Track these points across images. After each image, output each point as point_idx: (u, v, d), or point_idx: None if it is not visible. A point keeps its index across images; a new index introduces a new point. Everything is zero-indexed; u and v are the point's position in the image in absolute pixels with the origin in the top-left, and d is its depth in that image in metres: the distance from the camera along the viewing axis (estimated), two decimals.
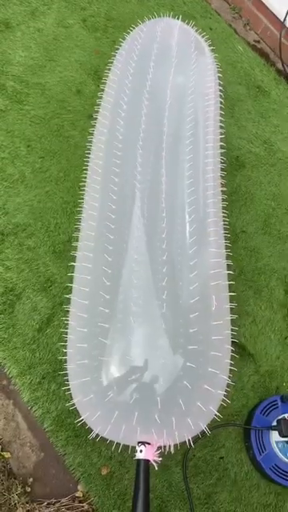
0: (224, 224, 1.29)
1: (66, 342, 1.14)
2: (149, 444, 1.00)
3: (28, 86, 1.81)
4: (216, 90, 1.48)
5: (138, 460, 0.99)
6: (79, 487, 1.28)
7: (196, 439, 1.13)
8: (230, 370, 1.10)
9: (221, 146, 1.42)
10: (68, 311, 1.16)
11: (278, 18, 2.06)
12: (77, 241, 1.26)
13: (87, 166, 1.37)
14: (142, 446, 1.00)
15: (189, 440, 1.03)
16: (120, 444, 1.09)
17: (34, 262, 1.52)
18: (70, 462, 1.30)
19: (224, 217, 1.31)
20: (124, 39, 1.59)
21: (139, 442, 1.00)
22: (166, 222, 1.16)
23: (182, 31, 1.56)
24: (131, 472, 1.30)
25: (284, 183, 1.88)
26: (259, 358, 1.54)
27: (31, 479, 1.27)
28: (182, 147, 1.28)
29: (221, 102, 1.50)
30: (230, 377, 1.09)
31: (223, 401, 1.07)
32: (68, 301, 1.17)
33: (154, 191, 1.20)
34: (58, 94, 1.83)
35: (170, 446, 1.05)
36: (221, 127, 1.44)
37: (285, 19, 2.02)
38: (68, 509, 1.23)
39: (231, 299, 1.19)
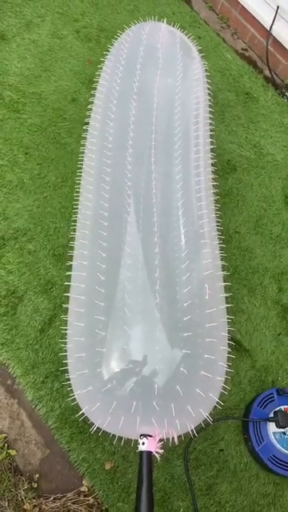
0: (217, 225, 1.34)
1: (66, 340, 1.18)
2: (151, 436, 1.03)
3: (25, 96, 1.87)
4: (204, 89, 1.53)
5: (141, 452, 1.01)
6: (84, 482, 1.32)
7: (198, 431, 1.17)
8: (227, 367, 1.13)
9: (212, 149, 1.48)
10: (67, 309, 1.20)
11: (264, 26, 2.14)
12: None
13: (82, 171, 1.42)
14: (144, 438, 1.02)
15: (192, 431, 1.05)
16: (122, 438, 1.13)
17: (34, 265, 1.56)
18: (74, 457, 1.34)
19: (217, 218, 1.36)
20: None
21: (141, 435, 1.03)
22: (158, 223, 1.20)
23: (167, 33, 1.62)
24: (134, 466, 1.34)
25: (274, 185, 1.94)
26: (255, 354, 1.59)
27: (37, 475, 1.31)
28: (171, 147, 1.33)
29: (210, 106, 1.56)
30: (228, 365, 1.12)
31: (221, 394, 1.10)
32: (68, 300, 1.21)
33: (145, 193, 1.24)
34: (54, 103, 1.88)
35: (173, 437, 1.07)
36: (211, 130, 1.50)
37: (271, 28, 2.10)
38: (74, 503, 1.27)
39: (226, 298, 1.24)
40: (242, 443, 1.44)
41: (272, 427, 1.39)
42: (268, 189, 1.93)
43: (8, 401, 1.38)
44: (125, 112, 1.37)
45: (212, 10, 2.35)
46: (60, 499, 1.27)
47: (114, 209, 1.23)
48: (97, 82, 1.57)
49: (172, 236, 1.20)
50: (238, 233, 1.80)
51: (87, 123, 1.51)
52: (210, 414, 1.07)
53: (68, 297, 1.21)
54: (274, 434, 1.39)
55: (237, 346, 1.57)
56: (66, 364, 1.15)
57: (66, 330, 1.18)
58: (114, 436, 1.11)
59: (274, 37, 2.13)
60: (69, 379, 1.12)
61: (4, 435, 1.33)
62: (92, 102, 1.54)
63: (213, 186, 1.42)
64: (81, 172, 1.43)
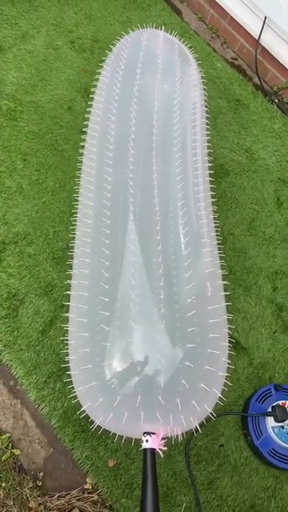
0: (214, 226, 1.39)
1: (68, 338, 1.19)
2: (154, 434, 1.04)
3: (22, 104, 1.91)
4: (201, 94, 1.58)
5: (145, 449, 1.03)
6: (88, 479, 1.34)
7: (199, 426, 1.19)
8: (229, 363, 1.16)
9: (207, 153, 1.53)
10: (69, 307, 1.22)
11: (252, 36, 2.21)
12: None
13: (81, 176, 1.45)
14: (148, 435, 1.03)
15: (196, 427, 1.06)
16: (123, 437, 1.14)
17: (34, 268, 1.59)
18: (77, 455, 1.36)
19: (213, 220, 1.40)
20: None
21: (145, 433, 1.04)
22: (160, 222, 1.24)
23: (166, 40, 1.68)
24: (137, 462, 1.36)
25: (266, 188, 2.00)
26: (252, 352, 1.63)
27: (41, 474, 1.32)
28: (171, 149, 1.37)
29: (205, 112, 1.61)
30: (229, 363, 1.16)
31: (222, 390, 1.12)
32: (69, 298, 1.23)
33: (146, 193, 1.28)
34: (51, 111, 1.93)
35: (177, 434, 1.08)
36: (206, 135, 1.55)
37: (259, 37, 2.17)
38: (78, 500, 1.28)
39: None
40: (242, 438, 1.47)
41: (270, 421, 1.42)
42: (260, 192, 1.99)
43: (11, 401, 1.40)
44: (125, 115, 1.41)
45: (202, 20, 2.42)
46: (64, 497, 1.29)
47: (116, 207, 1.26)
48: (93, 89, 1.62)
49: (173, 235, 1.23)
50: (233, 234, 1.84)
51: (84, 132, 1.55)
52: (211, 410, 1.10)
53: (69, 294, 1.23)
54: (273, 428, 1.42)
55: (234, 344, 1.61)
56: (67, 363, 1.16)
57: (67, 327, 1.20)
58: (115, 435, 1.12)
59: (262, 46, 2.20)
60: (70, 376, 1.13)
61: (8, 435, 1.35)
62: (90, 107, 1.57)
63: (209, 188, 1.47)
64: (80, 177, 1.47)
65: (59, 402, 1.41)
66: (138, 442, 1.06)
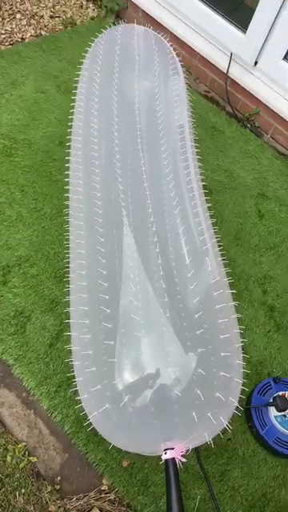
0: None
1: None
2: (172, 449, 1.04)
3: (16, 142, 2.07)
4: (183, 86, 1.67)
5: (166, 460, 1.04)
6: (104, 480, 1.38)
7: None
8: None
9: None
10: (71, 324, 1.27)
11: (221, 71, 2.45)
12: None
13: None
14: (167, 450, 1.05)
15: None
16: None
17: (38, 287, 1.69)
18: (92, 458, 1.41)
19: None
20: None
21: (164, 450, 1.05)
22: (156, 227, 1.27)
23: (141, 31, 1.78)
24: (150, 461, 1.42)
25: (247, 202, 2.16)
26: (249, 351, 1.72)
27: (59, 478, 1.37)
28: (158, 150, 1.44)
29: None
30: (244, 366, 1.19)
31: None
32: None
33: (139, 206, 1.31)
34: (44, 147, 2.09)
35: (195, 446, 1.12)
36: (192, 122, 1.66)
37: (227, 71, 2.40)
38: (96, 500, 1.33)
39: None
40: (248, 431, 1.54)
41: (273, 411, 1.50)
42: (242, 206, 2.15)
43: (25, 412, 1.45)
44: (107, 113, 1.47)
45: None
46: (83, 498, 1.33)
47: (109, 221, 1.29)
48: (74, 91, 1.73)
49: (172, 244, 1.26)
50: (221, 246, 1.97)
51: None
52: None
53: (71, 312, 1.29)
54: (276, 417, 1.49)
55: None
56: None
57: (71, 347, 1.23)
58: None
59: (231, 78, 2.43)
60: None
61: (24, 444, 1.40)
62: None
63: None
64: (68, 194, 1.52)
65: (71, 409, 1.47)
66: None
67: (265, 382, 1.59)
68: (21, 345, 1.56)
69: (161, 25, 2.54)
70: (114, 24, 2.14)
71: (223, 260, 1.41)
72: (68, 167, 1.58)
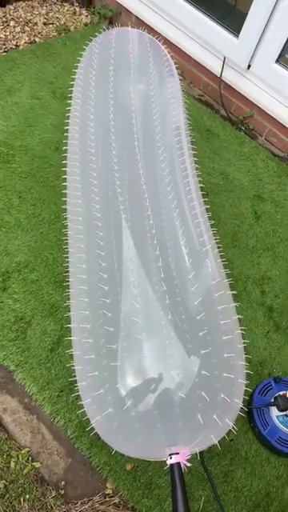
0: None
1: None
2: (177, 454, 1.04)
3: (13, 148, 2.08)
4: (178, 87, 1.68)
5: (171, 465, 1.04)
6: (108, 484, 1.38)
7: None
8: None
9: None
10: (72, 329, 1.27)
11: (215, 75, 2.47)
12: None
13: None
14: (172, 455, 1.05)
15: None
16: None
17: (38, 292, 1.69)
18: (96, 462, 1.41)
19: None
20: None
21: (169, 454, 1.04)
22: (157, 238, 1.26)
23: (135, 34, 1.79)
24: (153, 464, 1.42)
25: (244, 204, 2.17)
26: (249, 351, 1.73)
27: (63, 483, 1.37)
28: (155, 152, 1.45)
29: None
30: (246, 366, 1.20)
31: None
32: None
33: (137, 208, 1.32)
34: (40, 152, 2.10)
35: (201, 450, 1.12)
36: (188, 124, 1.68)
37: (221, 75, 2.43)
38: (101, 504, 1.33)
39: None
40: (250, 432, 1.54)
41: (274, 411, 1.51)
42: (239, 208, 2.16)
43: (27, 417, 1.46)
44: (104, 117, 1.48)
45: None
46: (87, 503, 1.33)
47: (108, 225, 1.29)
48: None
49: (172, 246, 1.26)
50: (218, 247, 1.98)
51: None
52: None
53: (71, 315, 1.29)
54: (277, 417, 1.50)
55: None
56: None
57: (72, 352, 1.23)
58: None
59: (224, 82, 2.46)
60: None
61: (27, 449, 1.40)
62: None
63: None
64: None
65: (73, 414, 1.47)
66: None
67: (265, 382, 1.60)
68: (22, 350, 1.56)
69: (154, 30, 2.56)
70: (107, 29, 2.16)
71: (222, 262, 1.41)
72: (65, 172, 1.59)
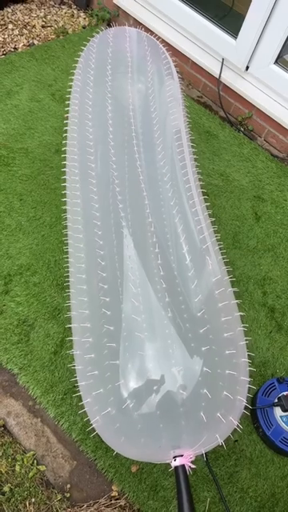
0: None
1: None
2: (181, 456, 1.04)
3: (13, 151, 2.08)
4: (177, 86, 1.69)
5: (175, 467, 1.04)
6: (113, 487, 1.38)
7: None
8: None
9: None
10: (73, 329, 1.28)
11: (213, 76, 2.48)
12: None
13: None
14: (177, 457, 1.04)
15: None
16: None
17: (40, 295, 1.69)
18: (101, 465, 1.41)
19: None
20: None
21: (174, 457, 1.05)
22: (156, 236, 1.26)
23: (133, 33, 1.80)
24: (159, 465, 1.42)
25: (244, 205, 2.18)
26: (252, 352, 1.73)
27: (68, 486, 1.36)
28: (154, 151, 1.45)
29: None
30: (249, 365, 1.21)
31: None
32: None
33: (137, 209, 1.31)
34: (40, 155, 2.10)
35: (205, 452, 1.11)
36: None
37: (219, 76, 2.43)
38: (107, 506, 1.33)
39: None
40: (254, 432, 1.55)
41: (278, 411, 1.51)
42: (239, 209, 2.17)
43: (32, 420, 1.45)
44: (102, 116, 1.48)
45: None
46: (93, 505, 1.33)
47: (108, 224, 1.29)
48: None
49: (173, 244, 1.26)
50: (220, 249, 1.99)
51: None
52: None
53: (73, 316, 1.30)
54: (281, 417, 1.50)
55: None
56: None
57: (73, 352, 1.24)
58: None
59: (223, 83, 2.46)
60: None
61: (32, 452, 1.39)
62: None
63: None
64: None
65: (78, 417, 1.47)
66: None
67: (269, 382, 1.60)
68: (25, 354, 1.56)
69: (152, 32, 2.57)
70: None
71: (224, 262, 1.42)
72: (65, 178, 1.59)
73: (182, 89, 1.89)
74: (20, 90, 2.33)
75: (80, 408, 1.47)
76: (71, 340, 1.56)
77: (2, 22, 2.66)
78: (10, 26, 2.65)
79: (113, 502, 1.34)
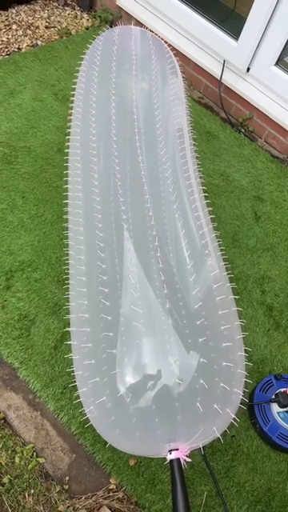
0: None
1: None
2: (177, 450, 1.05)
3: (16, 150, 2.10)
4: (181, 85, 1.73)
5: (171, 460, 1.05)
6: (111, 480, 1.40)
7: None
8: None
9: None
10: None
11: (215, 77, 2.50)
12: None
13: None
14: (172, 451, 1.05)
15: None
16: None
17: (41, 291, 1.71)
18: (99, 458, 1.43)
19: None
20: None
21: (169, 451, 1.05)
22: (157, 232, 1.29)
23: (138, 32, 1.84)
24: (156, 459, 1.44)
25: (243, 205, 2.20)
26: (250, 350, 1.75)
27: (67, 478, 1.38)
28: (157, 151, 1.48)
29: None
30: (246, 356, 1.23)
31: None
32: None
33: (138, 211, 1.33)
34: (43, 154, 2.13)
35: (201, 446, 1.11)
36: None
37: (221, 78, 2.46)
38: (105, 499, 1.34)
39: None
40: (251, 428, 1.56)
41: (275, 408, 1.53)
42: (239, 209, 2.19)
43: (31, 414, 1.47)
44: (105, 113, 1.52)
45: None
46: (91, 497, 1.34)
47: (109, 226, 1.30)
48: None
49: (174, 249, 1.27)
50: (218, 245, 2.01)
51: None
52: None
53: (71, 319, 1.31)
54: (278, 413, 1.52)
55: None
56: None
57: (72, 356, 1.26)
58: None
59: (224, 85, 2.49)
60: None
61: (31, 445, 1.41)
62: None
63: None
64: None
65: (77, 410, 1.49)
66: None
67: (266, 379, 1.62)
68: (26, 348, 1.58)
69: (154, 33, 2.59)
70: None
71: (223, 262, 1.44)
72: (67, 173, 1.61)
73: (185, 88, 1.92)
74: (23, 90, 2.36)
75: (79, 402, 1.49)
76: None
77: (7, 23, 2.69)
78: (14, 27, 2.68)
79: (111, 494, 1.36)
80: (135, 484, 1.40)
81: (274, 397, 1.55)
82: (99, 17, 2.82)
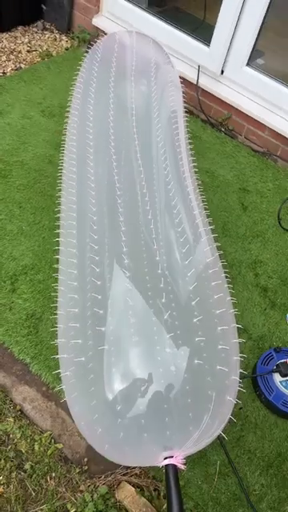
0: None
1: None
2: (171, 457, 1.03)
3: (9, 164, 2.22)
4: (179, 87, 1.94)
5: (166, 465, 1.03)
6: None
7: None
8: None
9: None
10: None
11: (191, 82, 2.64)
12: None
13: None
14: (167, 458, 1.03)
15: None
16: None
17: (45, 291, 1.80)
18: None
19: None
20: None
21: (165, 458, 1.03)
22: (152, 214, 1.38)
23: (139, 36, 2.10)
24: None
25: (230, 197, 2.31)
26: (249, 328, 1.83)
27: (86, 459, 1.44)
28: (154, 147, 1.61)
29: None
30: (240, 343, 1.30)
31: None
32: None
33: (133, 208, 1.41)
34: (35, 166, 2.24)
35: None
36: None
37: (197, 82, 2.60)
38: (123, 475, 1.40)
39: None
40: (257, 400, 1.63)
41: (277, 377, 1.60)
42: (226, 201, 2.30)
43: (46, 404, 1.54)
44: (103, 113, 1.67)
45: None
46: (110, 475, 1.40)
47: (102, 228, 1.37)
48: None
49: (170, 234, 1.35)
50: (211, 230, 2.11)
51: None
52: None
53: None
54: (281, 382, 1.60)
55: None
56: None
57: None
58: None
59: (201, 88, 2.63)
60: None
61: (49, 432, 1.48)
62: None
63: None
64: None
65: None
66: None
67: (267, 352, 1.70)
68: (36, 344, 1.66)
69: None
70: (87, 52, 2.34)
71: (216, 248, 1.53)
72: (61, 182, 1.73)
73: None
74: (11, 110, 2.49)
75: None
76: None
77: None
78: None
79: (128, 471, 1.42)
80: None
81: (275, 367, 1.62)
82: (77, 37, 2.98)
